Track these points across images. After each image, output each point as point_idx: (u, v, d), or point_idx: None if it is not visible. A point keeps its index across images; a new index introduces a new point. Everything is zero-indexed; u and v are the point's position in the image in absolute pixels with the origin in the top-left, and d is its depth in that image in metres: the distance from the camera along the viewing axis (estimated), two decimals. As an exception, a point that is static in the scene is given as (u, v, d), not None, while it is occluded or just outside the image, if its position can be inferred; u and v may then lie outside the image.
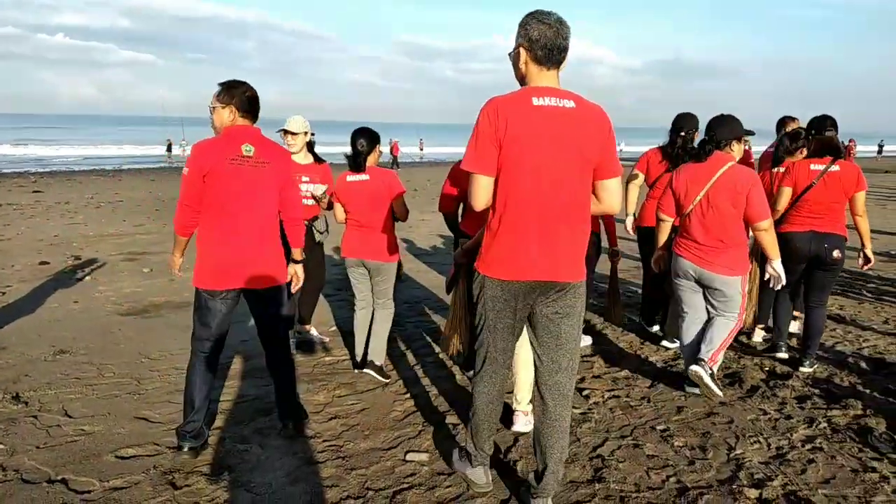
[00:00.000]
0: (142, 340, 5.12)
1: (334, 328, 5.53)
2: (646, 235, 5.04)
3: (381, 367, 4.35)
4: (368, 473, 3.14)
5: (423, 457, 3.30)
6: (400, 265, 4.51)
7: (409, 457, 3.30)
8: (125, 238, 10.13)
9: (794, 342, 5.03)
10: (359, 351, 4.46)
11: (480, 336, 2.77)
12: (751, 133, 4.14)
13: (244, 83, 3.30)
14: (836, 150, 4.46)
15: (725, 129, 3.93)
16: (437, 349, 4.97)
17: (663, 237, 4.24)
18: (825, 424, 3.65)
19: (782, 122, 5.77)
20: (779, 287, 4.01)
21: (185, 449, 3.29)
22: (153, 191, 18.61)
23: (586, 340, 5.14)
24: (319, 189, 4.59)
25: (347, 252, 4.32)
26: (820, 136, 4.55)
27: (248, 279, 3.27)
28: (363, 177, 4.20)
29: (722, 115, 4.02)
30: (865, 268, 4.68)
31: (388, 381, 4.32)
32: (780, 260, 3.89)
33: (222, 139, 3.21)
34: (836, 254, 4.39)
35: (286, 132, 4.65)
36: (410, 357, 4.83)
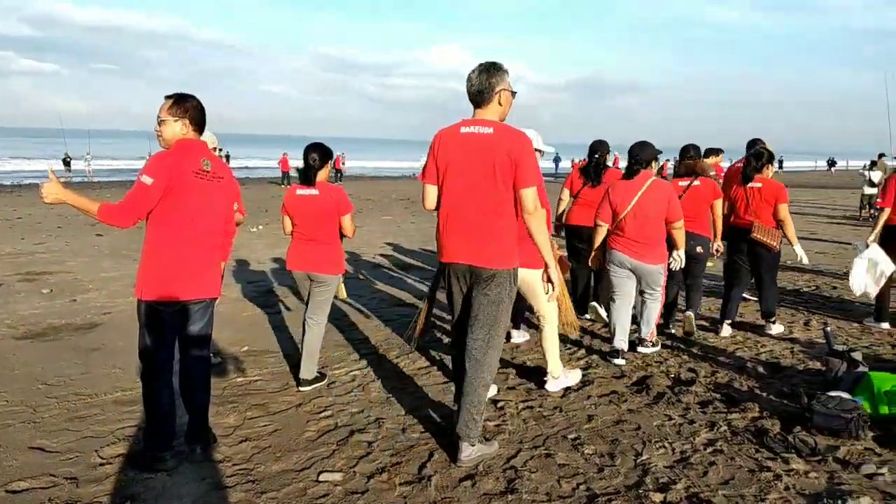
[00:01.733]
0: (39, 365, 4.85)
1: (247, 348, 5.39)
2: (572, 232, 6.24)
3: (315, 378, 4.51)
4: (280, 496, 3.08)
5: (337, 476, 3.25)
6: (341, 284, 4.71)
7: (323, 477, 3.25)
8: (23, 257, 9.58)
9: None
10: (304, 367, 4.49)
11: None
12: (659, 152, 5.19)
13: (193, 96, 3.31)
14: (696, 171, 5.81)
15: (645, 152, 4.98)
16: (353, 367, 4.92)
17: (599, 239, 5.11)
18: (725, 427, 3.82)
19: (753, 144, 6.68)
20: (676, 268, 5.23)
21: (168, 462, 3.31)
22: (55, 207, 17.70)
23: (523, 336, 5.62)
24: None
25: (293, 265, 4.44)
26: (686, 161, 5.95)
27: (195, 291, 3.32)
28: (313, 191, 4.31)
29: (642, 142, 5.05)
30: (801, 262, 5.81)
31: (326, 379, 4.60)
32: (684, 250, 5.14)
33: (182, 152, 3.22)
34: (698, 249, 5.67)
35: None
36: (325, 374, 4.76)
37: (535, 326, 5.34)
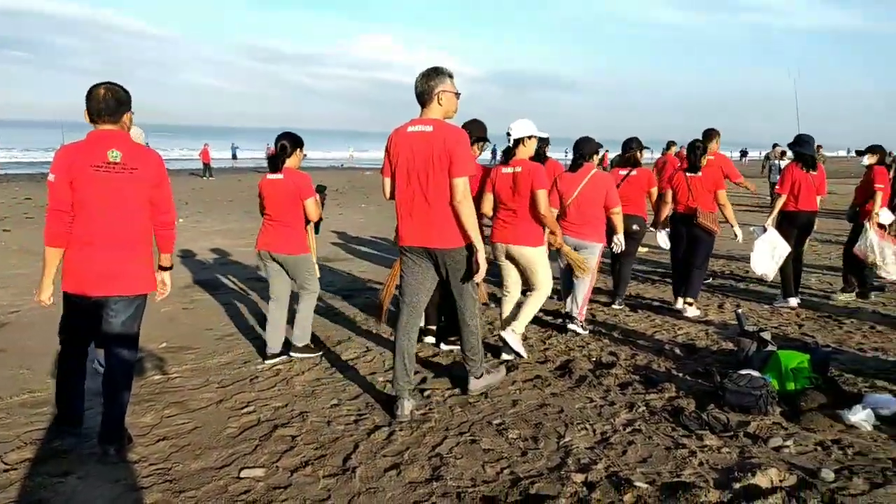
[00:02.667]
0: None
1: (165, 344, 5.21)
2: None
3: (306, 346, 4.85)
4: (199, 495, 2.99)
5: (259, 472, 3.18)
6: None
7: (244, 473, 3.17)
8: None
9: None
10: (272, 344, 4.79)
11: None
12: (647, 147, 6.59)
13: (101, 85, 3.21)
14: (634, 162, 6.60)
15: (588, 146, 5.58)
16: (277, 361, 4.83)
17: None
18: (644, 408, 3.94)
19: (708, 133, 7.10)
20: (618, 251, 5.82)
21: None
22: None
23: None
24: None
25: (261, 245, 4.76)
26: (626, 154, 6.68)
27: (109, 287, 3.25)
28: (278, 176, 4.64)
29: (585, 137, 5.65)
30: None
31: (321, 353, 4.94)
32: (623, 234, 5.68)
33: (86, 144, 3.18)
34: (634, 227, 6.27)
35: None
36: (248, 370, 4.65)
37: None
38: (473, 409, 3.95)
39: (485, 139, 5.18)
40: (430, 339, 5.28)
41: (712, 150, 6.90)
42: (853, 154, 8.05)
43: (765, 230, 6.41)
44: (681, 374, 4.56)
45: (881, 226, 6.74)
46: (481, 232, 3.85)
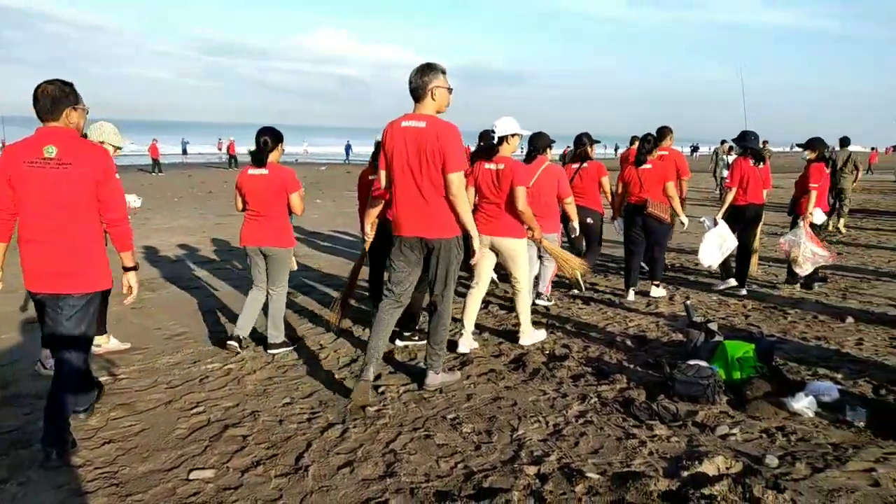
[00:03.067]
0: None
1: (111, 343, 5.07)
2: None
3: (283, 342, 4.91)
4: (146, 498, 2.92)
5: (209, 473, 3.12)
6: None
7: (193, 475, 3.11)
8: None
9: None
10: (241, 324, 4.94)
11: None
12: (597, 141, 7.02)
13: (41, 84, 3.20)
14: (585, 156, 6.86)
15: (541, 141, 5.84)
16: (228, 360, 4.75)
17: None
18: (596, 399, 4.00)
19: (661, 131, 7.43)
20: (574, 236, 6.25)
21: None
22: None
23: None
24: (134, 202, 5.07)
25: (245, 241, 4.84)
26: (578, 149, 6.95)
27: (54, 285, 3.22)
28: (263, 171, 4.70)
29: (538, 132, 5.90)
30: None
31: (295, 345, 5.02)
32: (577, 221, 6.05)
33: (27, 141, 3.17)
34: (589, 220, 6.61)
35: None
36: (198, 369, 4.56)
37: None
38: (428, 404, 3.95)
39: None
40: (399, 342, 5.14)
41: (667, 146, 7.34)
42: (796, 148, 8.31)
43: (715, 223, 6.68)
44: (632, 366, 4.63)
45: (813, 225, 6.96)
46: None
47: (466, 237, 4.02)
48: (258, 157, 4.70)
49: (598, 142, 7.36)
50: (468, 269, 5.13)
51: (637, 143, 7.05)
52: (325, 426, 3.64)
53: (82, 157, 3.18)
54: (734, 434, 3.50)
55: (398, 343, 5.11)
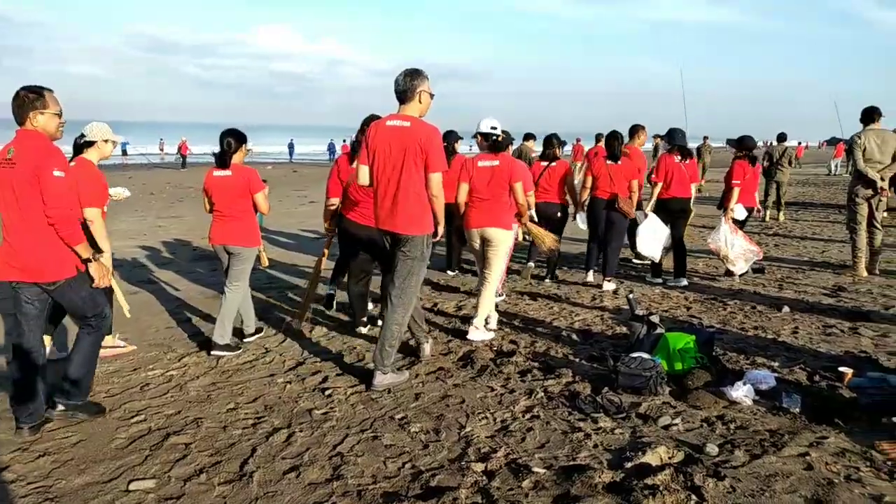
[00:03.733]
0: None
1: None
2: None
3: (227, 345, 4.87)
4: (83, 512, 2.82)
5: (149, 484, 3.04)
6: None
7: (133, 486, 3.02)
8: None
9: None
10: (246, 323, 5.17)
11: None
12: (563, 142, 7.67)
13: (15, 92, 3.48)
14: (553, 157, 7.30)
15: (505, 139, 5.84)
16: (170, 366, 4.63)
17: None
18: (542, 394, 4.03)
19: (634, 130, 7.85)
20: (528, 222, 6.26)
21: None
22: None
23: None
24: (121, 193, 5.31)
25: (213, 240, 4.97)
26: (546, 148, 7.39)
27: (21, 273, 3.49)
28: (226, 172, 4.83)
29: (503, 130, 5.89)
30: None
31: (240, 350, 4.95)
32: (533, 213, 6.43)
33: (6, 145, 3.48)
34: (558, 214, 7.20)
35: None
36: (138, 377, 4.44)
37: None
38: (376, 405, 3.93)
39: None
40: (362, 329, 5.44)
41: (640, 143, 7.74)
42: (726, 145, 8.66)
43: (646, 216, 7.07)
44: (577, 360, 4.70)
45: (736, 221, 7.27)
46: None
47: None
48: (222, 159, 4.82)
49: (564, 142, 7.61)
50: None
51: (604, 140, 7.42)
52: (271, 431, 3.58)
53: (24, 155, 3.39)
54: (676, 424, 3.58)
55: (361, 330, 5.42)
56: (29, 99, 3.43)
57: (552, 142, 7.39)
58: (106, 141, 4.70)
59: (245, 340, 5.15)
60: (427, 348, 4.72)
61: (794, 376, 4.31)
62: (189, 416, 3.79)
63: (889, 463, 3.12)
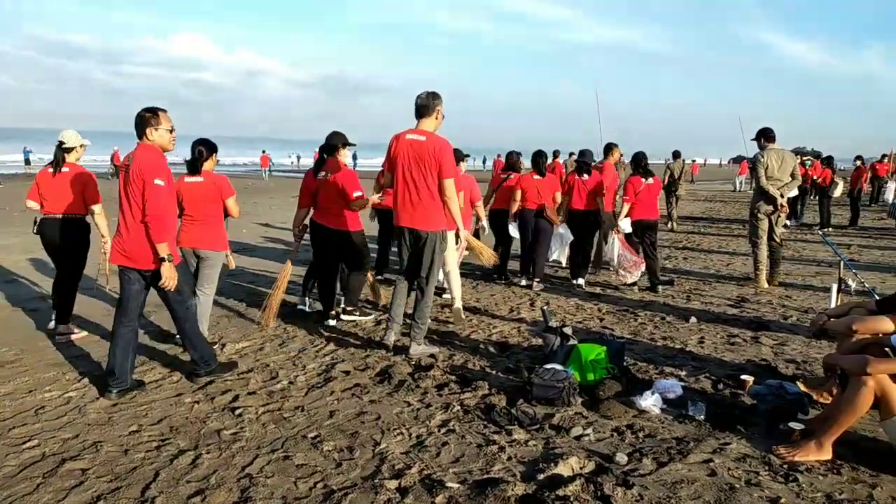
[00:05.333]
0: None
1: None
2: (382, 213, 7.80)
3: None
4: (-37, 549, 2.62)
5: (40, 514, 2.85)
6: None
7: (21, 518, 2.82)
8: None
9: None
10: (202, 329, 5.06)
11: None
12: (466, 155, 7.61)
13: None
14: (515, 167, 8.37)
15: (458, 154, 6.24)
16: (69, 387, 4.38)
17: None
18: (458, 407, 4.03)
19: (608, 148, 9.09)
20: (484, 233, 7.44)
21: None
22: None
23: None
24: None
25: (182, 243, 5.08)
26: (509, 160, 8.59)
27: (126, 259, 4.18)
28: (198, 178, 5.14)
29: (455, 148, 6.08)
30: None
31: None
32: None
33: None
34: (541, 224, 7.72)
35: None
36: (33, 399, 4.17)
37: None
38: (288, 423, 3.82)
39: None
40: (332, 322, 5.97)
41: (614, 160, 9.08)
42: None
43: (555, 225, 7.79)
44: (494, 372, 4.73)
45: (627, 235, 7.82)
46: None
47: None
48: (194, 166, 5.17)
49: (468, 155, 7.76)
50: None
51: (560, 157, 8.37)
52: (176, 453, 3.42)
53: (136, 164, 4.03)
54: (588, 434, 3.64)
55: (330, 324, 5.93)
56: (146, 118, 4.10)
57: (512, 157, 8.62)
58: (82, 145, 5.54)
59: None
60: (391, 336, 5.19)
61: (700, 385, 4.47)
62: (87, 440, 3.58)
63: (785, 466, 3.27)
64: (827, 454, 3.34)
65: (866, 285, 6.15)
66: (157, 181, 4.01)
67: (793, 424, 3.65)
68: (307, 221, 6.04)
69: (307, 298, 6.58)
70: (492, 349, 5.29)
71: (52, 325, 5.60)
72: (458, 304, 6.20)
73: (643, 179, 7.78)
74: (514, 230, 8.00)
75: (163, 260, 4.06)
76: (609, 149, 9.03)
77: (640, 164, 7.94)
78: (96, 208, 5.44)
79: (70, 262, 5.46)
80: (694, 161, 47.21)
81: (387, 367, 4.78)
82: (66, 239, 5.39)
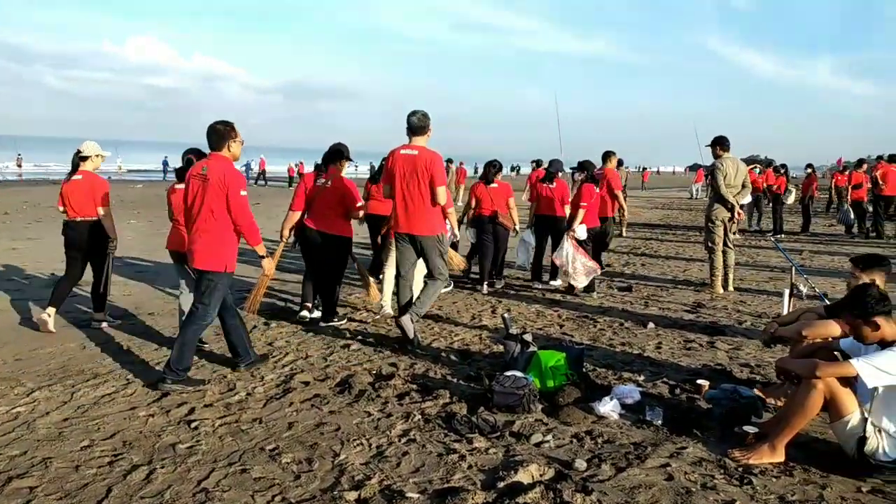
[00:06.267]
0: None
1: None
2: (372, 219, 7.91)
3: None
4: None
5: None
6: None
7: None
8: None
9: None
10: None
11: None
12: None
13: (211, 124, 4.56)
14: (487, 177, 8.24)
15: None
16: (17, 402, 4.24)
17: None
18: (419, 417, 4.02)
19: (606, 155, 9.45)
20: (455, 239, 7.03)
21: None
22: None
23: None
24: None
25: (172, 245, 5.53)
26: (491, 168, 8.32)
27: (189, 256, 4.66)
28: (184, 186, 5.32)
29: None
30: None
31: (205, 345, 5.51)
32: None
33: (199, 163, 4.66)
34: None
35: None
36: (-21, 415, 4.03)
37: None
38: (246, 436, 3.76)
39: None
40: (306, 314, 6.43)
41: (612, 166, 9.45)
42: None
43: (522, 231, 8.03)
44: (455, 380, 4.73)
45: (579, 240, 7.97)
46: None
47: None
48: (183, 174, 5.35)
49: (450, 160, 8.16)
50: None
51: (533, 165, 9.09)
52: (129, 469, 3.34)
53: (216, 175, 4.40)
54: (548, 441, 3.66)
55: (305, 315, 6.41)
56: (226, 131, 4.49)
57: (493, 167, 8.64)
58: (98, 155, 6.04)
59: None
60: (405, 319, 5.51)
61: (658, 390, 4.54)
62: (37, 457, 3.47)
63: (740, 469, 3.34)
64: (780, 456, 3.42)
65: (817, 290, 6.31)
66: (242, 192, 4.45)
67: (747, 428, 3.73)
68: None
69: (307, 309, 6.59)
70: (453, 357, 5.29)
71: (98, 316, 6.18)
72: (387, 308, 6.70)
73: (596, 187, 8.15)
74: (471, 236, 8.48)
75: (262, 257, 4.79)
76: (607, 156, 9.45)
77: (591, 172, 8.26)
78: (101, 210, 5.87)
79: (95, 261, 6.04)
80: (646, 168, 48.91)
81: (347, 377, 4.74)
82: (83, 240, 5.94)
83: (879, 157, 15.90)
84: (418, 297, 5.57)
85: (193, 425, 3.90)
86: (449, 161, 7.95)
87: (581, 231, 7.83)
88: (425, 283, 5.64)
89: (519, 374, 4.31)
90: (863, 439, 3.28)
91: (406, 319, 5.42)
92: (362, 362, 5.15)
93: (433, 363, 5.12)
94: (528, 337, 4.85)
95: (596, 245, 8.59)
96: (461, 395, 4.36)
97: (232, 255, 4.56)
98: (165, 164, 40.47)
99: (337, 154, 6.30)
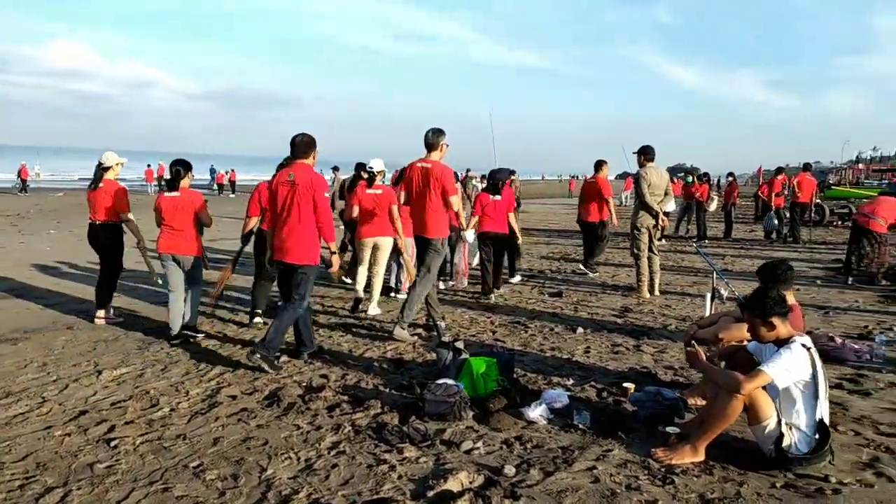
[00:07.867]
0: None
1: None
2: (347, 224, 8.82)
3: (193, 326, 6.13)
4: None
5: None
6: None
7: None
8: None
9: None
10: (172, 323, 5.99)
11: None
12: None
13: (298, 135, 5.22)
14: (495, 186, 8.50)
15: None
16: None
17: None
18: (350, 428, 3.97)
19: (599, 164, 10.27)
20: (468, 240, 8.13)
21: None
22: None
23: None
24: None
25: (162, 248, 5.96)
26: (494, 176, 8.61)
27: (284, 255, 5.23)
28: (176, 194, 5.97)
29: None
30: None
31: (200, 335, 6.12)
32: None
33: (284, 170, 5.30)
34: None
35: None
36: None
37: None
38: (168, 453, 3.64)
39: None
40: (259, 320, 6.60)
41: (604, 175, 10.24)
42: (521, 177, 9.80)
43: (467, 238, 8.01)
44: (388, 390, 4.70)
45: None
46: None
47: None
48: (172, 183, 5.99)
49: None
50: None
51: (513, 177, 9.46)
52: (42, 491, 3.18)
53: (304, 181, 5.03)
54: (478, 448, 3.68)
55: (258, 321, 6.59)
56: (314, 143, 5.18)
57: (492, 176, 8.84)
58: (118, 164, 6.59)
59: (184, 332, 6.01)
60: (442, 325, 6.15)
61: (586, 393, 4.63)
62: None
63: (663, 470, 3.43)
64: (700, 456, 3.53)
65: (737, 293, 6.55)
66: (326, 195, 5.18)
67: (669, 429, 3.84)
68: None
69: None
70: (386, 366, 5.26)
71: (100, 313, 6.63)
72: (375, 309, 7.27)
73: (490, 196, 8.35)
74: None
75: (334, 253, 5.43)
76: (599, 165, 10.26)
77: (492, 181, 8.56)
78: (124, 216, 6.52)
79: (111, 259, 6.62)
80: (573, 177, 51.21)
81: (276, 390, 4.65)
82: (104, 240, 6.55)
83: (780, 169, 17.05)
84: (403, 306, 6.05)
85: (113, 444, 3.75)
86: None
87: (469, 235, 7.97)
88: (409, 290, 6.12)
89: (451, 381, 4.32)
90: (780, 438, 3.43)
91: (397, 331, 5.96)
92: (292, 374, 5.06)
93: (365, 373, 5.07)
94: (460, 344, 4.87)
95: (588, 244, 10.24)
96: (393, 405, 4.34)
97: (318, 249, 5.24)
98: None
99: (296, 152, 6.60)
